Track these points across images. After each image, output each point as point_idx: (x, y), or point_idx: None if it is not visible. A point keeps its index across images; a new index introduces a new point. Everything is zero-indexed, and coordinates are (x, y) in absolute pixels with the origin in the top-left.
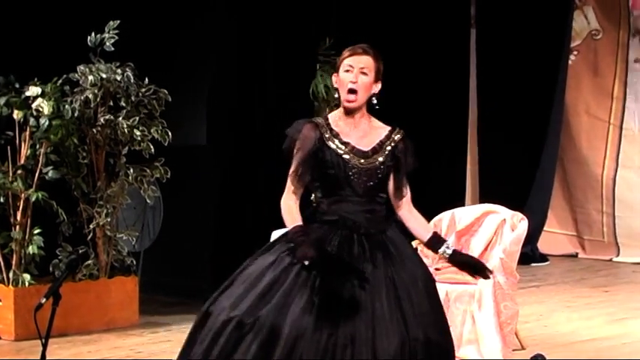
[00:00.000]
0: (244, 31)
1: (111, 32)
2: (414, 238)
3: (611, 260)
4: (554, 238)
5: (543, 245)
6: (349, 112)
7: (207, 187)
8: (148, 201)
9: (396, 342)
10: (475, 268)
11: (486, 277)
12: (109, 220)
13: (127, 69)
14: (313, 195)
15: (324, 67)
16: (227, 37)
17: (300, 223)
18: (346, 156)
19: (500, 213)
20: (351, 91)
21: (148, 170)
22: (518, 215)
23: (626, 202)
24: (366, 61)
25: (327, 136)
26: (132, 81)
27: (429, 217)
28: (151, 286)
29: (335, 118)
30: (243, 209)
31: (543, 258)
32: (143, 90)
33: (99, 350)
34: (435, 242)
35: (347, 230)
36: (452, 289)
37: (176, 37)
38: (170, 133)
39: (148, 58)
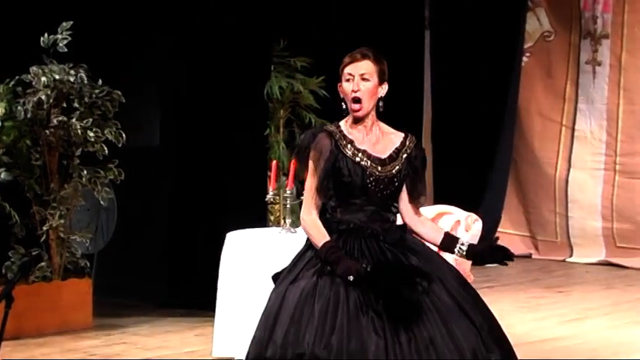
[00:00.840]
0: (198, 33)
1: (64, 33)
2: None
3: (564, 261)
4: (508, 238)
5: None
6: (359, 120)
7: (161, 189)
8: (102, 202)
9: (470, 334)
10: (495, 255)
11: (509, 258)
12: (62, 221)
13: (81, 70)
14: (326, 203)
15: (279, 69)
16: (181, 39)
17: (328, 238)
18: (364, 163)
19: (454, 214)
20: (355, 100)
21: (101, 172)
22: (473, 216)
23: (579, 203)
24: (366, 67)
25: (342, 143)
26: (85, 82)
27: None
28: (105, 288)
29: (346, 125)
30: (197, 211)
31: None
32: (97, 91)
33: (52, 353)
34: (449, 243)
35: (371, 239)
36: None
37: (130, 38)
38: (124, 135)
39: (102, 60)
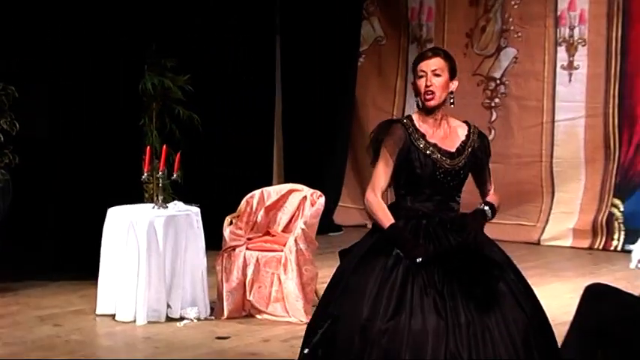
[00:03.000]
0: (83, 40)
1: None
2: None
3: None
4: (347, 211)
5: (338, 217)
6: (430, 112)
7: (52, 172)
8: None
9: (522, 323)
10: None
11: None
12: None
13: None
14: (395, 191)
15: (152, 68)
16: (69, 45)
17: (393, 220)
18: (435, 157)
19: (302, 191)
20: (428, 93)
21: None
22: (317, 193)
23: None
24: (436, 63)
25: (415, 136)
26: None
27: (243, 194)
28: (2, 258)
29: (417, 119)
30: (83, 190)
31: (338, 228)
32: None
33: None
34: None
35: (438, 226)
36: (262, 255)
37: (24, 40)
38: (18, 125)
39: None
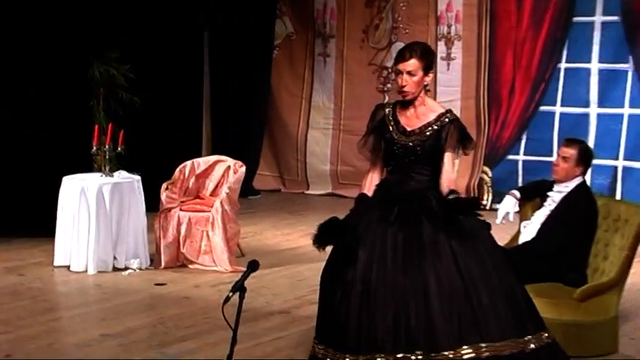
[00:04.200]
0: (41, 36)
1: None
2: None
3: (303, 193)
4: (264, 178)
5: (256, 183)
6: (407, 101)
7: (17, 147)
8: None
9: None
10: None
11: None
12: None
13: None
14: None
15: (99, 59)
16: (29, 42)
17: (363, 192)
18: (393, 134)
19: (227, 161)
20: (402, 92)
21: None
22: (239, 163)
23: (314, 152)
24: (411, 65)
25: (389, 118)
26: None
27: (176, 164)
28: None
29: (399, 105)
30: (39, 162)
31: (256, 192)
32: None
33: None
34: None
35: (398, 194)
36: (193, 215)
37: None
38: None
39: None
